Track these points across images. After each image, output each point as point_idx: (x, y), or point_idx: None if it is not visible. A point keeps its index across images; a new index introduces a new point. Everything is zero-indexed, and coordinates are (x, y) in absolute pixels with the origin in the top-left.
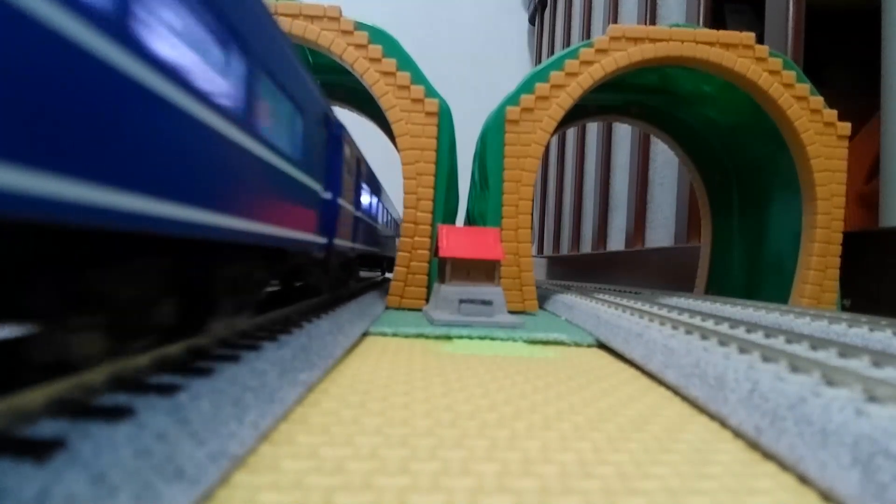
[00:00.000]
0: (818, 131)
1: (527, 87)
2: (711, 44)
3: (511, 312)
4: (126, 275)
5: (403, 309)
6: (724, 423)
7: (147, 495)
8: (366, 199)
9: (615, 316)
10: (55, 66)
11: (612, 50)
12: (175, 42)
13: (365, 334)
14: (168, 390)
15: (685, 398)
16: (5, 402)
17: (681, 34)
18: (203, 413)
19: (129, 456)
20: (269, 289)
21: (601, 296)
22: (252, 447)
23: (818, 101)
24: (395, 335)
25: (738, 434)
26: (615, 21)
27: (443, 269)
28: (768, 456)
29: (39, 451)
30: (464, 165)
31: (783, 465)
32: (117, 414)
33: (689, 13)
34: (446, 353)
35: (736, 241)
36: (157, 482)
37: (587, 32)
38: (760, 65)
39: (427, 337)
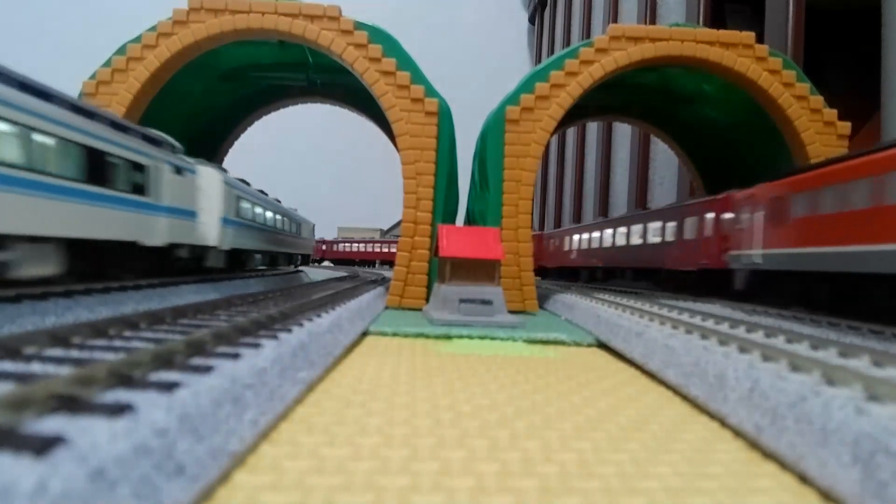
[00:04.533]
0: (818, 130)
1: (527, 86)
2: (711, 43)
3: (511, 312)
4: None
5: (403, 308)
6: (723, 423)
7: (146, 491)
8: None
9: (615, 315)
10: None
11: (612, 49)
12: None
13: (365, 334)
14: (168, 387)
15: (685, 398)
16: (6, 397)
17: (681, 34)
18: (203, 410)
19: (129, 451)
20: None
21: (601, 296)
22: (251, 444)
23: (818, 100)
24: (395, 335)
25: (738, 433)
26: (615, 20)
27: (443, 268)
28: (768, 455)
29: (39, 445)
30: (464, 165)
31: (783, 465)
32: (117, 410)
33: (689, 13)
34: (447, 352)
35: None
36: (156, 478)
37: (587, 32)
38: (760, 64)
39: (427, 336)
